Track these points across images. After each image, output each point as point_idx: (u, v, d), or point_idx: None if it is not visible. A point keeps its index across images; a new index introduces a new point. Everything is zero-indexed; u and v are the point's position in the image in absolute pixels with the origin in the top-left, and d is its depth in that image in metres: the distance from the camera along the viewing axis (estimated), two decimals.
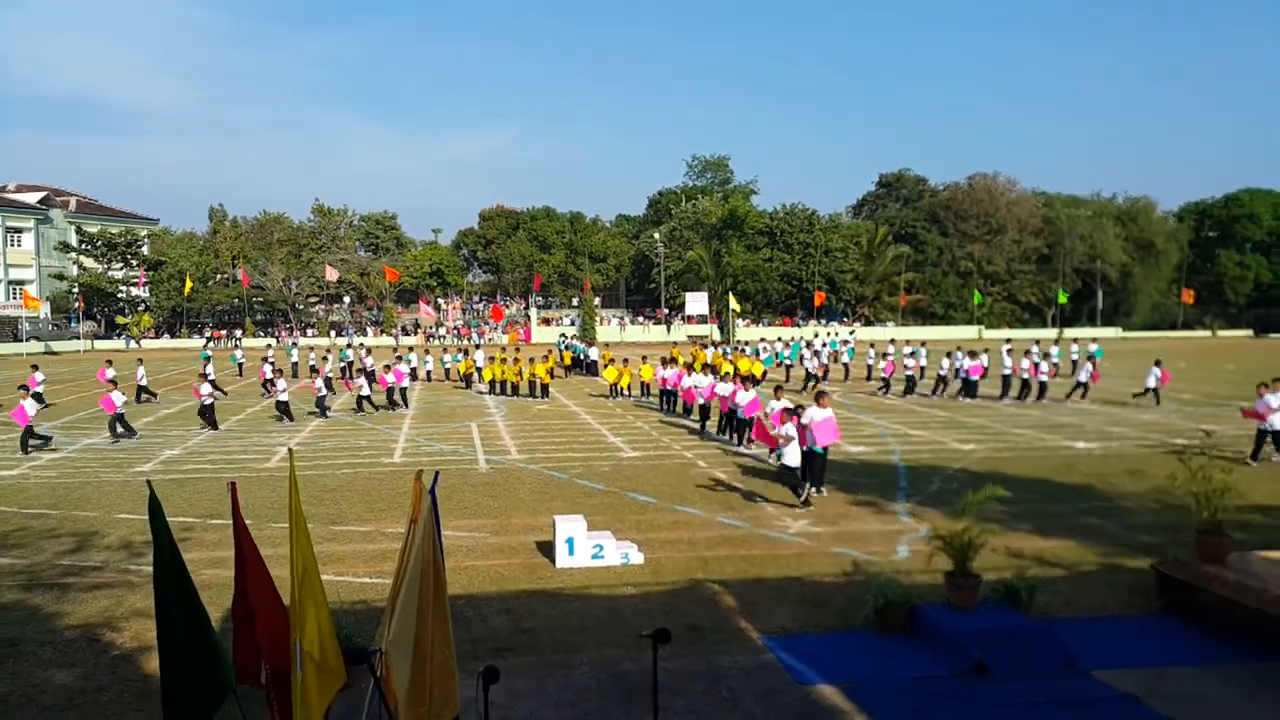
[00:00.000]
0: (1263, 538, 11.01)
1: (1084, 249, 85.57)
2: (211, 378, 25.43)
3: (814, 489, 14.15)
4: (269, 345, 50.14)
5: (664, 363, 27.13)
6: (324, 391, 25.46)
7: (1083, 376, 28.19)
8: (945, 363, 29.36)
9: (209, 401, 22.78)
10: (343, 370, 36.33)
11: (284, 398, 24.45)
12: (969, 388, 28.16)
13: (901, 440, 20.27)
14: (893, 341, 37.81)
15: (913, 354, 31.31)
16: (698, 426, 22.01)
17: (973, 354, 28.62)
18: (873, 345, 39.04)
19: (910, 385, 29.89)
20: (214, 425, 22.57)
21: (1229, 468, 10.35)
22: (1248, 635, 8.19)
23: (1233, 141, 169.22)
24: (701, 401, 21.77)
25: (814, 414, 14.22)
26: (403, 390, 28.03)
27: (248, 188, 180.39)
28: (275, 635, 5.22)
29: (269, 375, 30.12)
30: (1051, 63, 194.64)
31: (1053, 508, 13.58)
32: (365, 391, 26.16)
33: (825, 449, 14.32)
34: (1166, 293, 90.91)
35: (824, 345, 39.37)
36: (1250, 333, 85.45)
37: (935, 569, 9.16)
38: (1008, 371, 28.12)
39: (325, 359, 37.66)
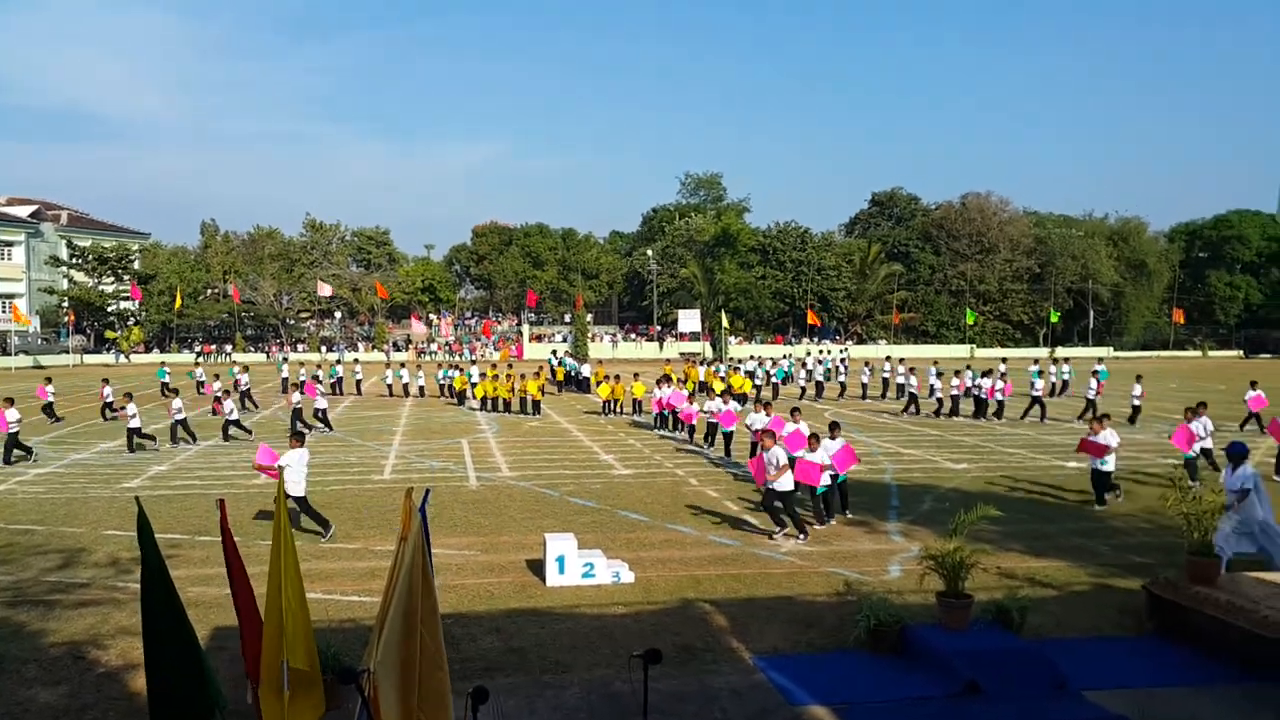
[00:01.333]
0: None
1: (1076, 268, 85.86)
2: (50, 399, 24.32)
3: (826, 518, 13.77)
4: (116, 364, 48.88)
5: (659, 383, 26.58)
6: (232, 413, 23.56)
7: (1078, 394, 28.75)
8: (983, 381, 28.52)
9: (14, 430, 19.74)
10: (332, 386, 35.97)
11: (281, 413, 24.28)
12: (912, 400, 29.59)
13: (893, 459, 20.27)
14: (888, 359, 37.93)
15: (910, 370, 31.38)
16: (716, 453, 21.08)
17: (988, 374, 28.77)
18: (867, 363, 39.05)
19: (913, 404, 29.95)
20: (26, 453, 20.00)
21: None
22: (1239, 656, 8.18)
23: (1222, 163, 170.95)
24: (725, 430, 20.87)
25: (803, 453, 13.65)
26: (321, 412, 25.25)
27: (240, 202, 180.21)
28: (259, 655, 5.19)
29: (109, 397, 27.57)
30: (1044, 82, 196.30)
31: (1044, 528, 13.58)
32: (234, 416, 23.57)
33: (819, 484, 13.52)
34: (1158, 313, 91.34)
35: (818, 363, 39.37)
36: (1240, 353, 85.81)
37: (927, 589, 9.15)
38: (1038, 393, 28.01)
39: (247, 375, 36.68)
